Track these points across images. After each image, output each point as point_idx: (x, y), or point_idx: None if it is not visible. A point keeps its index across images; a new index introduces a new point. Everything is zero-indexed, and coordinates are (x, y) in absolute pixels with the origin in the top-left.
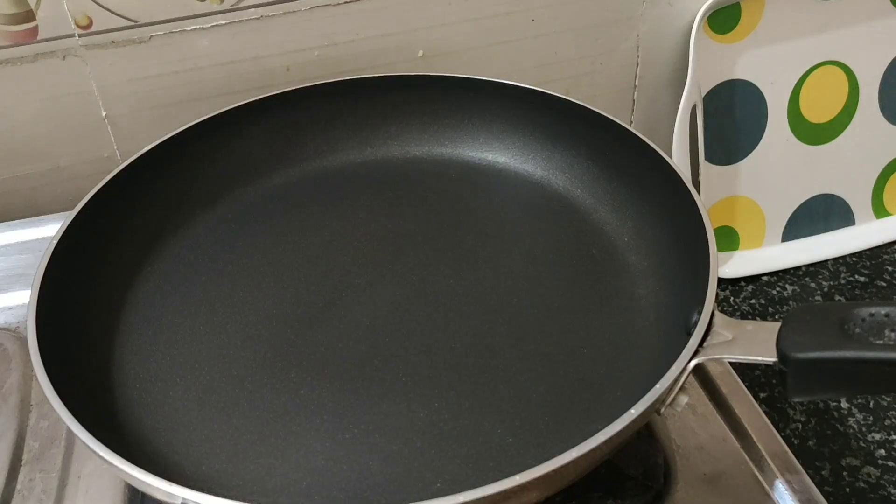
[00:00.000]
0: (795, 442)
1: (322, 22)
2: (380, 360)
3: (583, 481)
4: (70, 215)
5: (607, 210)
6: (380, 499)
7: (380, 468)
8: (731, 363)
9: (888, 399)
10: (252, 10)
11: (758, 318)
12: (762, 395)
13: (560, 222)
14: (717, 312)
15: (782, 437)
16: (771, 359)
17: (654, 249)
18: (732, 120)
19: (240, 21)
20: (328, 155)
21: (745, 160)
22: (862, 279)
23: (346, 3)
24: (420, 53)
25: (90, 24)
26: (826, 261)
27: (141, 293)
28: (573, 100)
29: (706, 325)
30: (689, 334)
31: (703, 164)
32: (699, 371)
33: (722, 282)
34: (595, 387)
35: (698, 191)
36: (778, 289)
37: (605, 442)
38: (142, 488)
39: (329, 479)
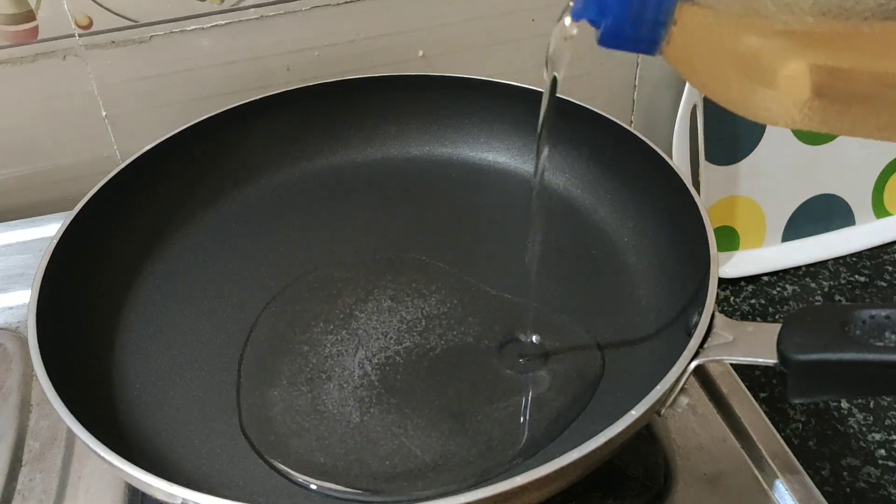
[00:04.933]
0: (795, 442)
1: (322, 22)
2: (380, 361)
3: (583, 481)
4: (70, 215)
5: (607, 210)
6: (380, 498)
7: (380, 467)
8: (731, 364)
9: (888, 399)
10: (252, 10)
11: (758, 319)
12: (762, 395)
13: (560, 222)
14: (717, 313)
15: (782, 437)
16: (771, 360)
17: (655, 250)
18: (732, 120)
19: (240, 21)
20: (328, 155)
21: (745, 160)
22: (862, 279)
23: (346, 2)
24: (420, 53)
25: (90, 24)
26: (826, 261)
27: (141, 293)
28: (573, 100)
29: (706, 326)
30: (690, 335)
31: (703, 164)
32: (699, 371)
33: (722, 282)
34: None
35: (698, 191)
36: (778, 289)
37: (606, 443)
38: (142, 488)
39: (329, 479)
